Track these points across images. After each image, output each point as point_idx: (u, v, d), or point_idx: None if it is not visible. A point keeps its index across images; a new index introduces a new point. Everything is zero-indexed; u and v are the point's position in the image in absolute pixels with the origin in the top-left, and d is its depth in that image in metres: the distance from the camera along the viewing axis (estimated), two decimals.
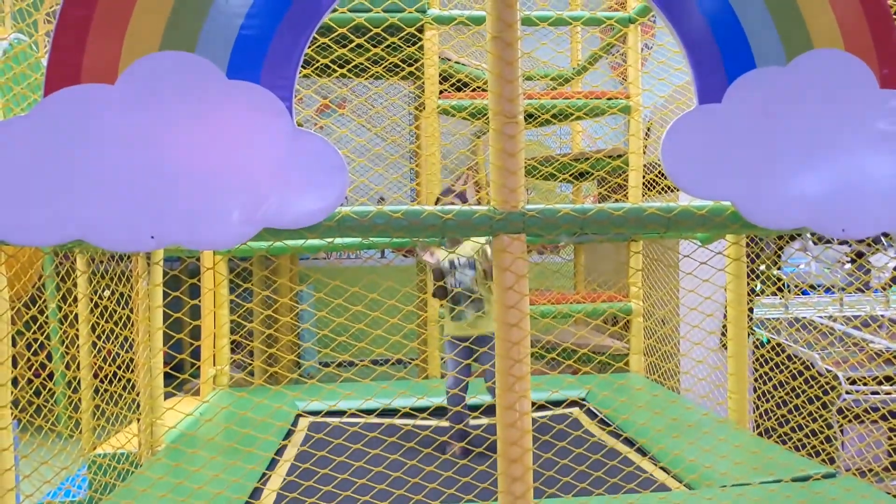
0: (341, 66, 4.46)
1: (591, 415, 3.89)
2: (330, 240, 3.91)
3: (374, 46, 3.50)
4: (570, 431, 2.66)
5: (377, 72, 4.78)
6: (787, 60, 1.90)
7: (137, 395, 3.07)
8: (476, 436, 3.33)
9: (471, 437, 3.31)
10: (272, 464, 3.03)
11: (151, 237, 1.69)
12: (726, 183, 1.87)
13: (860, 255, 5.15)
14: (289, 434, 3.49)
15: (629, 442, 3.30)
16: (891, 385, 4.07)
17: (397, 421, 3.03)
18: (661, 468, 2.92)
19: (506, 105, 1.88)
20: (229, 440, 2.81)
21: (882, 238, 4.71)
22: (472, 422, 3.42)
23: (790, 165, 1.89)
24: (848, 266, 5.23)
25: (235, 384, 4.64)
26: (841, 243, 5.22)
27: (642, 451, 3.14)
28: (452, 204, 3.32)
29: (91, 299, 3.38)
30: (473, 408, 3.49)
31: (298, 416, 3.81)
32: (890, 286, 5.24)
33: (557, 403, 3.91)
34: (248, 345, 5.95)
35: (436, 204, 3.49)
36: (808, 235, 5.21)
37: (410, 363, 4.90)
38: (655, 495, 2.52)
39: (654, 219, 1.95)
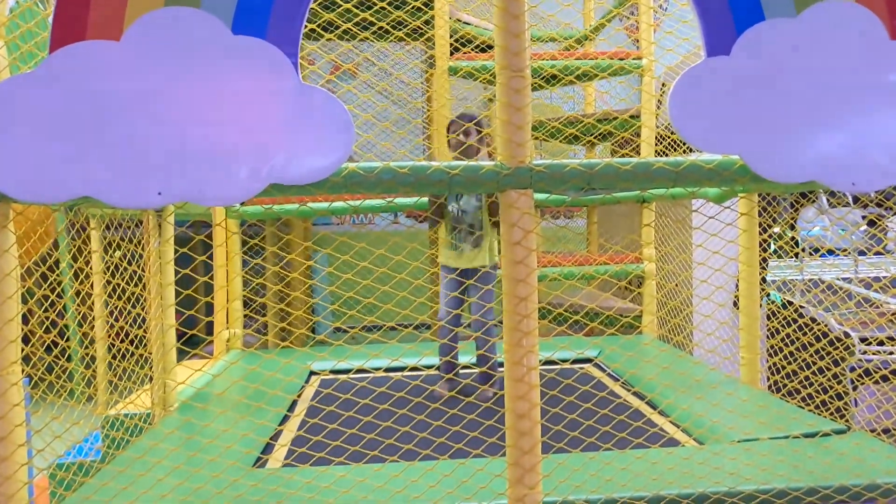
0: (349, 23, 4.40)
1: (602, 371, 3.92)
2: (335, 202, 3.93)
3: (384, 8, 3.45)
4: (579, 386, 2.67)
5: (385, 28, 4.72)
6: (797, 12, 1.86)
7: (150, 353, 3.10)
8: (466, 382, 3.36)
9: (457, 368, 3.36)
10: (284, 419, 3.07)
11: (159, 193, 1.70)
12: (735, 136, 1.85)
13: (879, 217, 5.10)
14: (303, 392, 3.53)
15: (639, 396, 3.32)
16: None
17: (406, 376, 3.05)
18: (672, 423, 2.94)
19: (512, 59, 1.86)
20: (243, 398, 2.85)
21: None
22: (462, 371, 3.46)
23: (799, 118, 1.87)
24: (864, 228, 5.19)
25: (249, 344, 4.69)
26: (854, 200, 5.16)
27: (652, 406, 3.16)
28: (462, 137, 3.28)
29: (103, 258, 3.41)
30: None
31: (311, 373, 3.85)
32: None
33: (568, 360, 3.93)
34: (259, 301, 5.96)
35: (449, 127, 3.46)
36: (824, 196, 5.17)
37: (417, 320, 4.91)
38: (664, 450, 2.54)
39: (661, 173, 1.93)
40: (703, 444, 2.67)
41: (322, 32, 3.45)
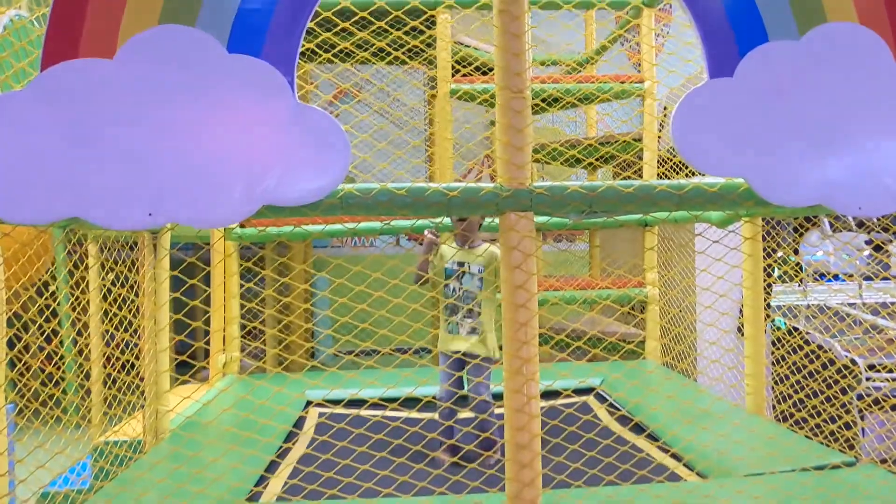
0: (357, 48, 4.39)
1: (605, 401, 3.84)
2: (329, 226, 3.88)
3: (385, 28, 3.42)
4: (580, 416, 2.60)
5: (388, 51, 4.71)
6: (800, 34, 1.83)
7: (142, 380, 3.03)
8: (464, 438, 3.18)
9: (460, 440, 3.16)
10: (279, 450, 2.98)
11: (149, 214, 1.65)
12: (739, 159, 1.81)
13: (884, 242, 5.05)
14: (298, 422, 3.43)
15: (641, 428, 3.24)
16: None
17: (403, 404, 2.97)
18: (672, 456, 2.85)
19: (512, 79, 1.82)
20: (237, 427, 2.77)
21: None
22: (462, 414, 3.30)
23: (804, 141, 1.82)
24: (868, 253, 5.13)
25: (245, 368, 4.61)
26: (858, 225, 5.12)
27: (656, 437, 3.08)
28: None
29: (101, 283, 3.35)
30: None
31: (308, 402, 3.76)
32: None
33: (570, 389, 3.85)
34: (253, 324, 5.89)
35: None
36: (826, 221, 5.12)
37: (414, 345, 4.85)
38: (669, 484, 2.46)
39: (664, 196, 1.89)
40: (707, 478, 2.59)
41: (322, 53, 3.43)
